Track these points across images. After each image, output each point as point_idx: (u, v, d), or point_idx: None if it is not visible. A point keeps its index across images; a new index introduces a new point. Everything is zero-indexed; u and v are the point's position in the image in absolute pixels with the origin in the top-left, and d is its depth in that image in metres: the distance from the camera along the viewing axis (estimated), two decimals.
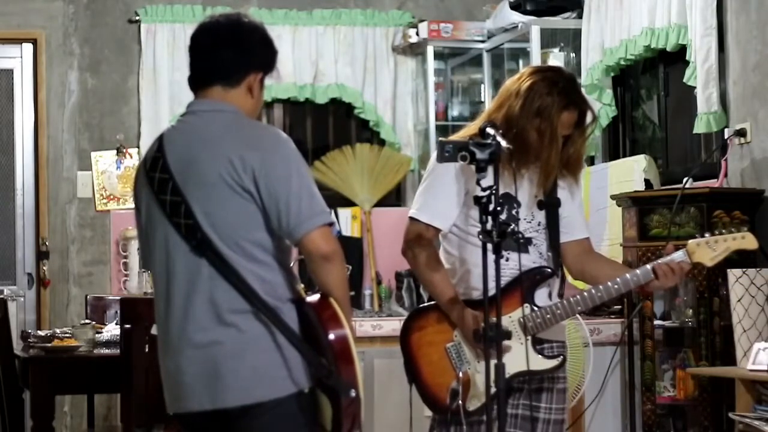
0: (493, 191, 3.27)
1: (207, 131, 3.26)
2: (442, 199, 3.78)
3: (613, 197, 5.88)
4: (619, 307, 5.96)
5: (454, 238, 3.83)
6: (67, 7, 7.44)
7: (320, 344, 3.20)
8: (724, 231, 3.80)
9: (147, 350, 4.96)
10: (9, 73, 7.45)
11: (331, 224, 3.24)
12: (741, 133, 5.56)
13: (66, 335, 5.64)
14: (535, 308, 3.74)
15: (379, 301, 7.38)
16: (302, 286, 3.34)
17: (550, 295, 3.81)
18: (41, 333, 5.85)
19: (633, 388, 5.66)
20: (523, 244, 3.73)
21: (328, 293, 3.23)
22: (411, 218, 3.81)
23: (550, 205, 3.82)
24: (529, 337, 3.73)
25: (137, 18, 7.47)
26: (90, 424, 6.23)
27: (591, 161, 6.84)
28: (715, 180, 5.71)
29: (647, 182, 6.11)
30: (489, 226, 3.26)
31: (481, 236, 3.28)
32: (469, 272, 3.78)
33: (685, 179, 5.56)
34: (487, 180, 3.32)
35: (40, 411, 5.28)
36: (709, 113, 5.72)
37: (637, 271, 3.75)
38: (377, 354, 6.09)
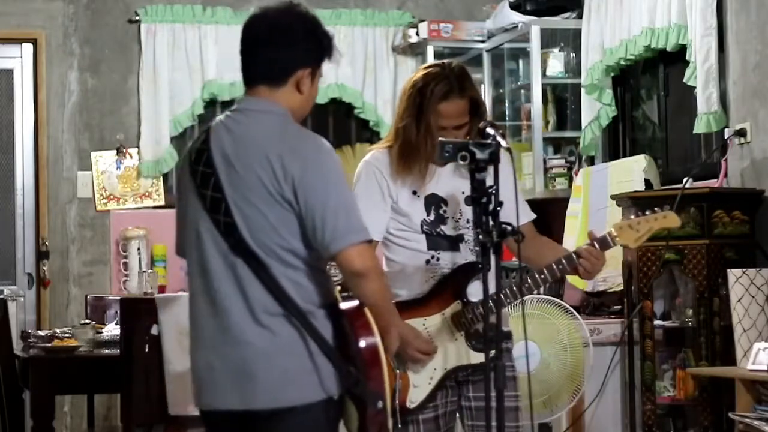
0: (493, 191, 3.29)
1: (252, 133, 3.19)
2: (368, 210, 3.79)
3: (613, 197, 5.87)
4: (619, 307, 5.95)
5: (387, 243, 3.90)
6: (67, 7, 7.43)
7: (350, 352, 3.17)
8: (648, 212, 3.82)
9: (147, 350, 4.97)
10: (9, 73, 7.45)
11: (369, 241, 3.18)
12: (741, 133, 5.55)
13: (66, 335, 5.64)
14: (468, 303, 3.78)
15: None
16: (339, 288, 3.30)
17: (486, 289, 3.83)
18: (41, 333, 5.85)
19: (633, 388, 5.65)
20: (453, 242, 3.82)
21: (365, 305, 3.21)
22: None
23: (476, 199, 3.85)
24: (463, 332, 3.79)
25: (137, 18, 7.47)
26: (90, 424, 6.23)
27: (591, 161, 6.84)
28: (715, 180, 5.70)
29: (647, 182, 6.10)
30: (489, 226, 3.28)
31: (481, 236, 3.30)
32: (399, 272, 3.85)
33: (685, 179, 5.55)
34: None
35: (40, 411, 5.28)
36: (709, 113, 5.72)
37: (563, 259, 3.77)
38: None
